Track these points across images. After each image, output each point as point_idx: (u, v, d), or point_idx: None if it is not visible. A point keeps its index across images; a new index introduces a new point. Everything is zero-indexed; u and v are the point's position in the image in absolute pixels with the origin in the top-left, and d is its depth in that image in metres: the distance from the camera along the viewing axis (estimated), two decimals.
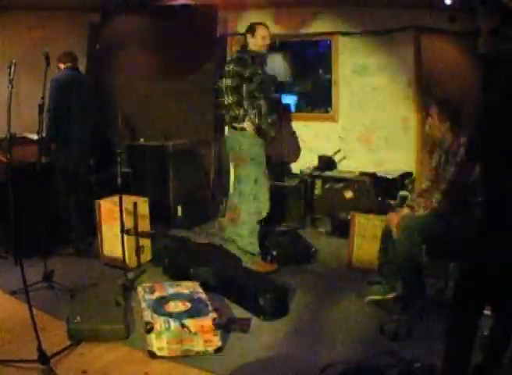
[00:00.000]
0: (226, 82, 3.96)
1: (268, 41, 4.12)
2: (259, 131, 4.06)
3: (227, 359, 2.78)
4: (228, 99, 3.97)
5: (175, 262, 3.96)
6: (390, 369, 2.57)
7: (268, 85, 4.22)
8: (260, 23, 4.15)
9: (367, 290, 3.55)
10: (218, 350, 2.83)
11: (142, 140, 5.49)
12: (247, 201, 4.11)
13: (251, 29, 4.12)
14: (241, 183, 4.16)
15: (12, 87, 2.94)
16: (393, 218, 3.35)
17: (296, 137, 5.86)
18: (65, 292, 3.50)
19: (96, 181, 4.88)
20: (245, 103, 4.01)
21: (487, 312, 2.30)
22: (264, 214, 4.16)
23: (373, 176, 5.15)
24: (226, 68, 4.01)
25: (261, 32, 4.08)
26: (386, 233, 3.45)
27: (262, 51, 4.12)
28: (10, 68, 2.86)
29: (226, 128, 4.24)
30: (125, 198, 3.89)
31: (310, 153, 5.73)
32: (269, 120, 4.11)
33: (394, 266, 3.37)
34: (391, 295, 3.38)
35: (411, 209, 3.34)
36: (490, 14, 2.04)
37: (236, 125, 4.04)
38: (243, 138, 4.06)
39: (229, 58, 4.08)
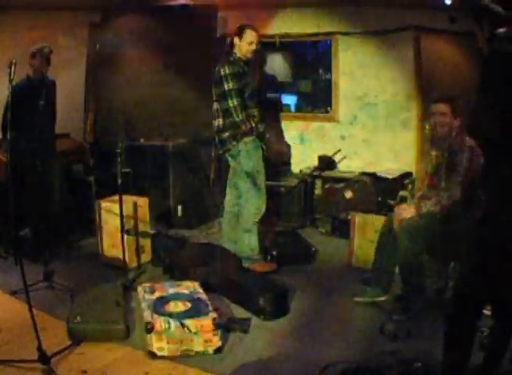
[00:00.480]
0: (229, 85, 3.83)
1: (254, 47, 3.95)
2: (259, 134, 3.95)
3: (227, 359, 2.78)
4: (232, 102, 3.84)
5: (175, 262, 3.96)
6: (390, 369, 2.57)
7: (254, 91, 4.05)
8: (248, 27, 3.98)
9: (360, 289, 3.54)
10: (218, 350, 2.83)
11: (142, 140, 5.49)
12: (246, 198, 4.06)
13: (239, 32, 3.96)
14: (238, 179, 4.09)
15: (12, 87, 2.93)
16: (402, 212, 3.30)
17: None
18: (65, 292, 3.50)
19: (96, 181, 4.88)
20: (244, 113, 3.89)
21: (487, 312, 2.31)
22: (262, 211, 4.06)
23: (373, 176, 5.15)
24: (225, 71, 3.84)
25: (248, 37, 3.92)
26: (385, 233, 3.45)
27: (247, 56, 3.97)
28: (10, 68, 2.84)
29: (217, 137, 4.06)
30: (125, 198, 3.89)
31: (310, 153, 5.73)
32: (261, 129, 3.99)
33: (390, 266, 3.37)
34: (381, 298, 3.37)
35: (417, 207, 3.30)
36: (480, 20, 2.04)
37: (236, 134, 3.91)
38: (243, 148, 3.94)
39: (222, 61, 3.92)
